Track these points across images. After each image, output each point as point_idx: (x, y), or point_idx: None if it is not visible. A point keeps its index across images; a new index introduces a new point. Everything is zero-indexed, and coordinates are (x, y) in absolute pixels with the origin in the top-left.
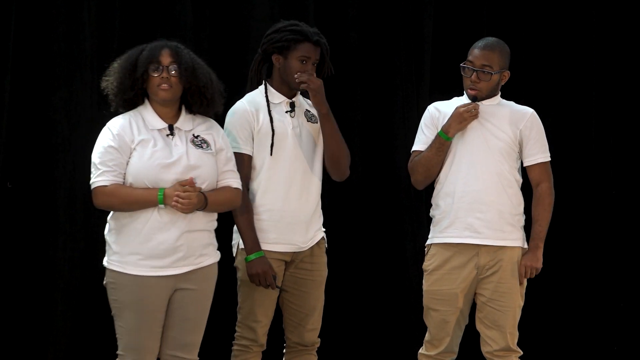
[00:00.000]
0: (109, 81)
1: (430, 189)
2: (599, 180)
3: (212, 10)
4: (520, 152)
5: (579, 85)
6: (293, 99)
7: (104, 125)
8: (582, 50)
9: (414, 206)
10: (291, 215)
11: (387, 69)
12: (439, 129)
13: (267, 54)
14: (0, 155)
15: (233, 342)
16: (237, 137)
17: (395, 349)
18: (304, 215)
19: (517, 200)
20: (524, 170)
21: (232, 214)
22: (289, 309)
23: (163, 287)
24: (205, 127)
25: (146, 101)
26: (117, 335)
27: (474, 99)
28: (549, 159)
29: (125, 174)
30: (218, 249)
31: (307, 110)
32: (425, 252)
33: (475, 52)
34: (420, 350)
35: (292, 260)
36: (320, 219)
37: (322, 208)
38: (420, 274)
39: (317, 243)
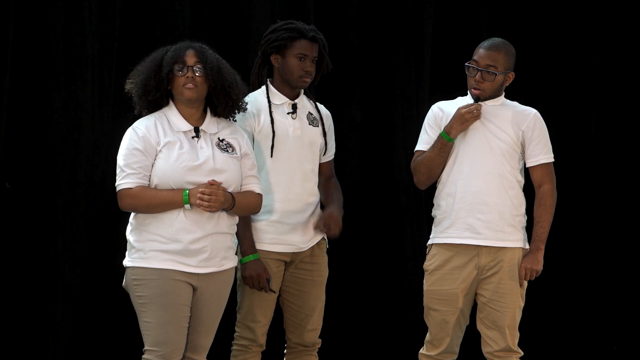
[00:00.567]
0: (134, 83)
1: (430, 189)
2: (598, 181)
3: (211, 11)
4: (523, 152)
5: (578, 85)
6: (295, 100)
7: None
8: (582, 50)
9: (413, 206)
10: (290, 217)
11: (387, 68)
12: (442, 129)
13: (266, 55)
14: None
15: (232, 342)
16: None
17: (395, 349)
18: (303, 216)
19: (519, 201)
20: (526, 171)
21: None
22: (289, 310)
23: (187, 283)
24: (229, 131)
25: (171, 102)
26: (143, 332)
27: (477, 99)
28: (552, 160)
29: (150, 175)
30: None
31: (309, 112)
32: (427, 251)
33: (481, 51)
34: (420, 351)
35: (292, 260)
36: (320, 220)
37: (321, 208)
38: (419, 273)
39: (318, 244)
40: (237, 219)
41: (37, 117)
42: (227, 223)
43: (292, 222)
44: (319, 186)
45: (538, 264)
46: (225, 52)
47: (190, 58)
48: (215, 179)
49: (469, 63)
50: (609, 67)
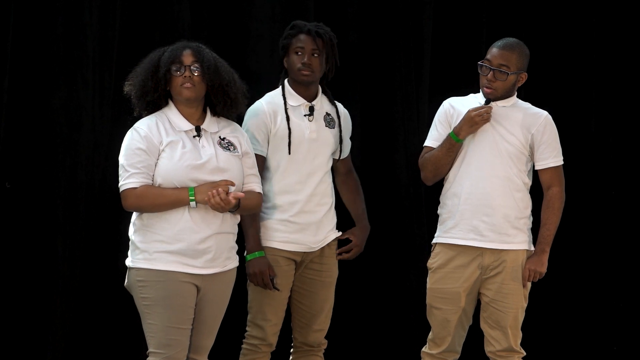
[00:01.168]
0: (132, 84)
1: (431, 188)
2: (598, 181)
3: (210, 11)
4: (532, 155)
5: (578, 85)
6: (313, 102)
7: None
8: (582, 50)
9: (414, 206)
10: (303, 217)
11: (387, 68)
12: (452, 126)
13: (281, 61)
14: None
15: (243, 340)
16: (253, 138)
17: (396, 348)
18: (316, 217)
19: (524, 204)
20: (535, 173)
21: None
22: (297, 309)
23: (192, 284)
24: (230, 130)
25: (170, 103)
26: (147, 334)
27: (488, 100)
28: (562, 162)
29: (153, 175)
30: None
31: (327, 113)
32: (431, 249)
33: (494, 51)
34: (423, 349)
35: (302, 260)
36: (333, 220)
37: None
38: (419, 273)
39: (328, 244)
40: (239, 218)
41: (37, 117)
42: (230, 222)
43: (304, 222)
44: (338, 182)
45: (542, 266)
46: (225, 52)
47: (187, 58)
48: (218, 177)
49: (482, 62)
50: (609, 67)
